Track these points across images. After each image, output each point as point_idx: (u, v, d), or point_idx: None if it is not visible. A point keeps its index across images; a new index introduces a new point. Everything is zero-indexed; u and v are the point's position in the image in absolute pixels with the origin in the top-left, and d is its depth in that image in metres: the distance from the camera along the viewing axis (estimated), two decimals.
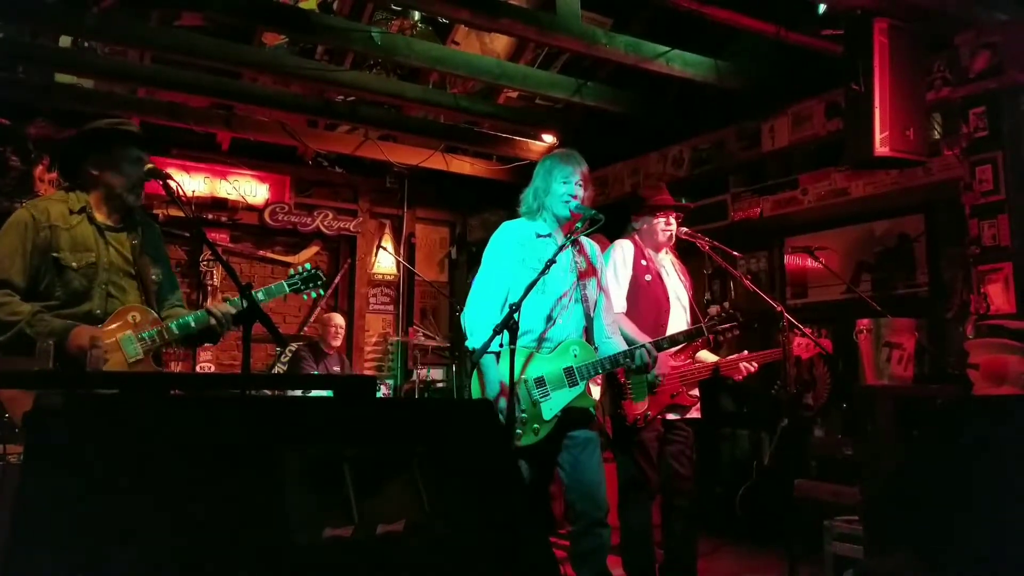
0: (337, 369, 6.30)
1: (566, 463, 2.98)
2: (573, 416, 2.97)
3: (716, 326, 3.28)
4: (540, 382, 2.93)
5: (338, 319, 6.41)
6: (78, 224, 2.68)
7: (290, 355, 6.59)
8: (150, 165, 2.73)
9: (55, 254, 2.61)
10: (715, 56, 5.04)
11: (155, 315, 2.74)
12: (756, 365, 3.66)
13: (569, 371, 2.95)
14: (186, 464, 1.24)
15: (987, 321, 3.83)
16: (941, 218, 4.80)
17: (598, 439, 3.05)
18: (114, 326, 2.65)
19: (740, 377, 3.65)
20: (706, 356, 3.69)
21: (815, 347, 3.69)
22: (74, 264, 2.62)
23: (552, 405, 2.93)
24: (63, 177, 2.85)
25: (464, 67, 5.28)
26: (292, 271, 3.06)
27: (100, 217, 2.75)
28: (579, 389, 2.95)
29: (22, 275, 2.58)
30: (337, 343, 6.32)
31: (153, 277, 2.82)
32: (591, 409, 3.04)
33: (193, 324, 2.71)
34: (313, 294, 3.04)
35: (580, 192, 3.06)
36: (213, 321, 2.71)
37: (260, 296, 2.81)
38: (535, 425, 2.91)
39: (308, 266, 3.08)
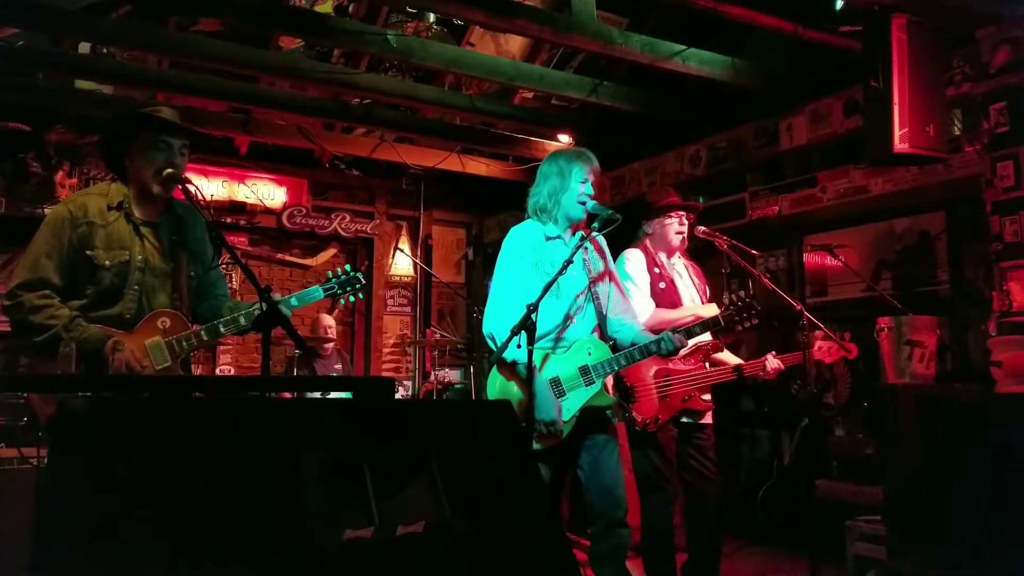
0: (339, 367, 6.24)
1: (585, 464, 2.97)
2: (591, 416, 2.95)
3: (733, 316, 3.14)
4: (556, 383, 2.92)
5: (327, 321, 6.40)
6: (115, 220, 2.63)
7: (288, 360, 6.60)
8: (176, 176, 2.64)
9: (88, 251, 2.56)
10: (732, 54, 5.01)
11: (185, 320, 2.69)
12: (781, 364, 3.59)
13: (584, 370, 2.94)
14: (207, 466, 1.24)
15: (1010, 318, 3.78)
16: (962, 215, 4.74)
17: (616, 440, 3.04)
18: (144, 332, 2.61)
19: (769, 373, 3.59)
20: (728, 358, 3.65)
21: (839, 350, 3.61)
22: (107, 262, 2.58)
23: (569, 405, 2.92)
24: (113, 172, 2.80)
25: (479, 68, 5.28)
26: (330, 273, 2.96)
27: (138, 212, 2.68)
28: (596, 387, 2.94)
29: (59, 273, 2.54)
30: (330, 347, 6.30)
31: (191, 273, 2.76)
32: (608, 410, 3.02)
33: (223, 330, 2.68)
34: (351, 298, 2.94)
35: (593, 192, 3.05)
36: (244, 322, 2.69)
37: (293, 302, 2.75)
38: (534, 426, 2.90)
39: (348, 267, 2.98)
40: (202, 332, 2.68)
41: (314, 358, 6.14)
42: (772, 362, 3.57)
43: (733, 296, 3.16)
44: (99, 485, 1.14)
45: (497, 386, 2.98)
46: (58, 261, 2.55)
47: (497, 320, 2.96)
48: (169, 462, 1.22)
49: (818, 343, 3.59)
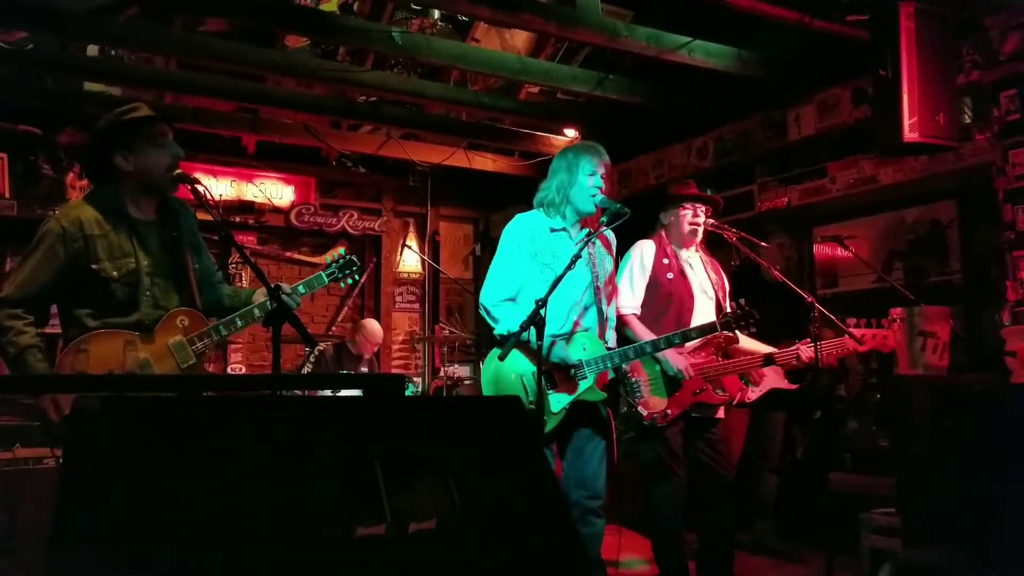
0: (364, 371, 6.33)
1: (570, 452, 3.03)
2: (584, 410, 2.97)
3: (731, 323, 3.18)
4: (548, 375, 2.94)
5: (375, 332, 6.35)
6: (113, 227, 2.58)
7: (317, 355, 6.60)
8: (185, 176, 2.64)
9: (94, 266, 2.52)
10: (738, 45, 4.98)
11: (202, 315, 2.68)
12: (813, 353, 3.53)
13: (577, 364, 2.95)
14: (219, 464, 1.25)
15: (1023, 307, 3.75)
16: (974, 204, 4.69)
17: (605, 437, 3.07)
18: (164, 332, 2.60)
19: (803, 362, 3.54)
20: (756, 347, 3.57)
21: (880, 339, 3.52)
22: (115, 274, 2.54)
23: (560, 398, 2.93)
24: (94, 182, 2.74)
25: (485, 64, 5.28)
26: (328, 257, 3.00)
27: (135, 212, 2.65)
28: (588, 382, 2.96)
29: (47, 289, 2.52)
30: (367, 356, 6.33)
31: (196, 267, 2.75)
32: (601, 406, 3.04)
33: (240, 323, 2.69)
34: (350, 280, 2.99)
35: (604, 185, 3.05)
36: (259, 314, 2.70)
37: (301, 289, 2.79)
38: (543, 418, 2.92)
39: (342, 251, 3.03)
40: (220, 327, 2.68)
41: (352, 360, 6.26)
42: (805, 351, 3.51)
43: (732, 304, 3.18)
44: (114, 484, 1.14)
45: (492, 372, 3.05)
46: (50, 277, 2.51)
47: (490, 293, 3.06)
48: (183, 460, 1.22)
49: (845, 335, 3.53)
